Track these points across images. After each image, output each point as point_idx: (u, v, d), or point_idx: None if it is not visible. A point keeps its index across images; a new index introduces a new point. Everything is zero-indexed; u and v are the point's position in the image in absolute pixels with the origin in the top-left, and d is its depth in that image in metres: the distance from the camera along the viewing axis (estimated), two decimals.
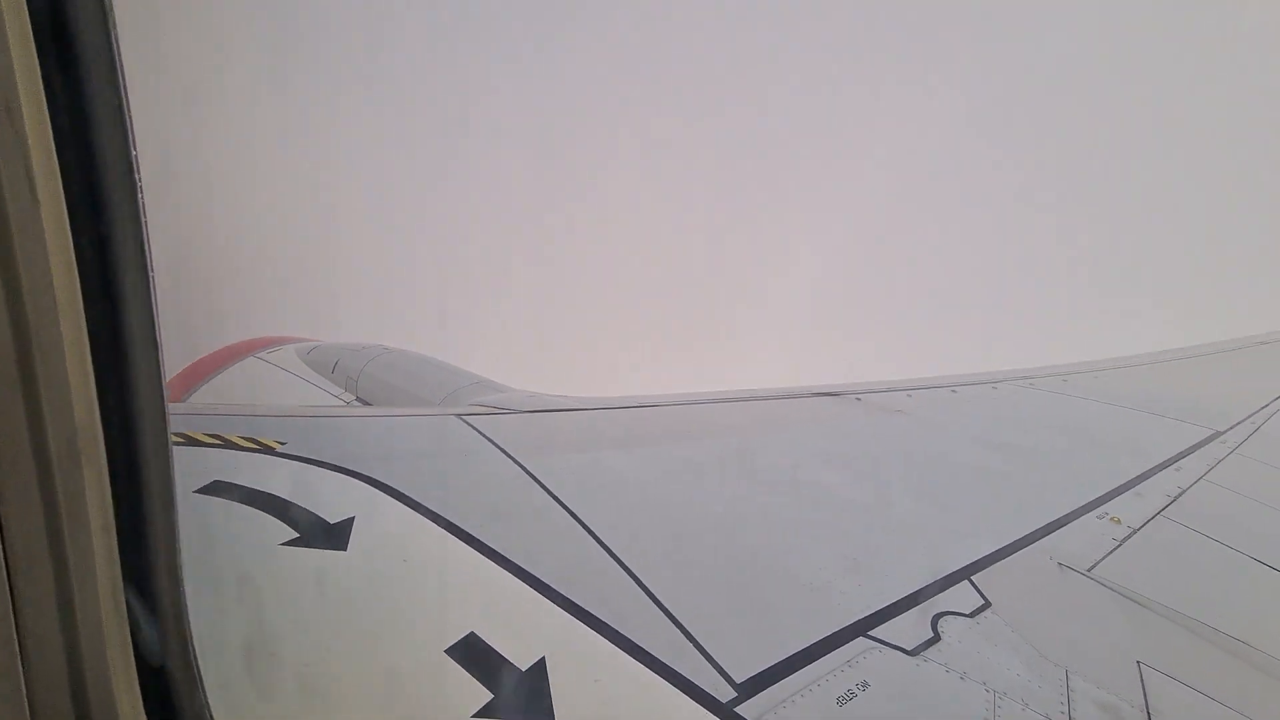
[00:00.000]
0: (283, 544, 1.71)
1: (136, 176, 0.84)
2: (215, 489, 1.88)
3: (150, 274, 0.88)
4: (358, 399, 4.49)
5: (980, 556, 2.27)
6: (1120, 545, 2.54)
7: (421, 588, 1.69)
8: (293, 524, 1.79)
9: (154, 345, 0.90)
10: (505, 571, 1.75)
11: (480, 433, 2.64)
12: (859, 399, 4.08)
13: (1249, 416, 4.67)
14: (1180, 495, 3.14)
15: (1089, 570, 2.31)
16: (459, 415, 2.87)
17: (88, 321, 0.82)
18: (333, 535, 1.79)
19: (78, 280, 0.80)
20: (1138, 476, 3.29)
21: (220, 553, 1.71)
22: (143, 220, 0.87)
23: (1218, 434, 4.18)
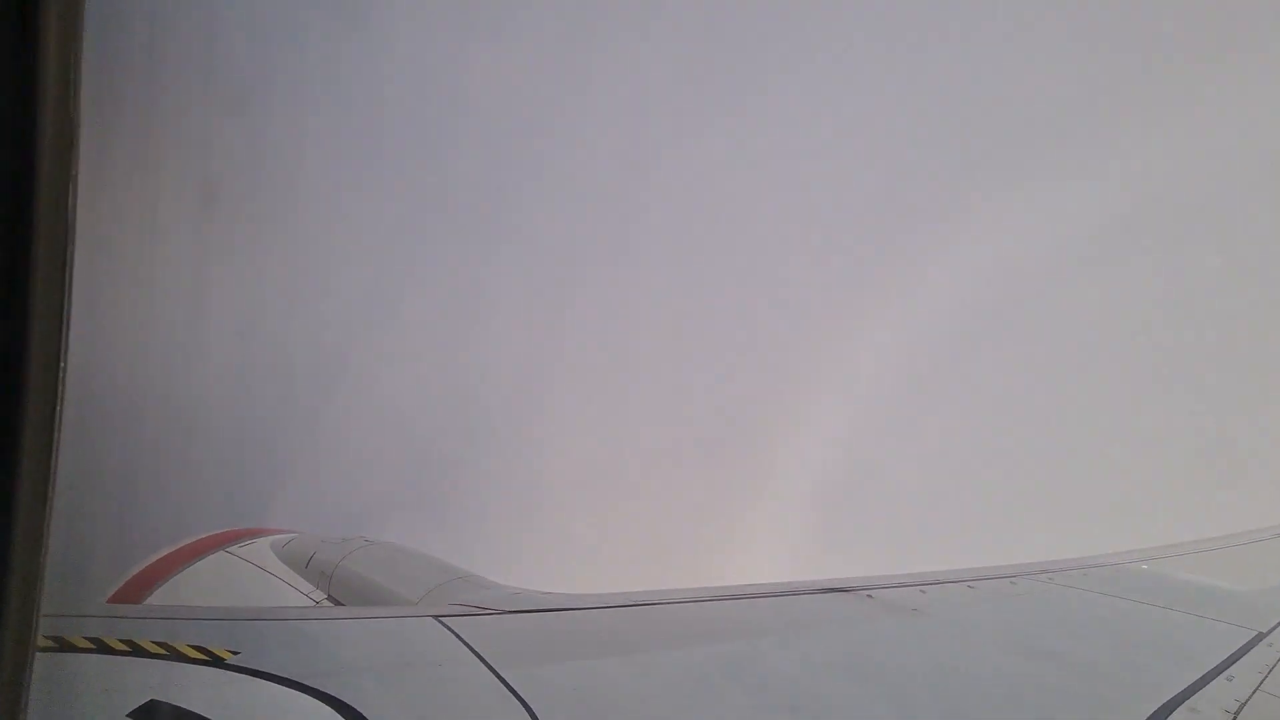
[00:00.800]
0: None
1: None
2: (149, 712, 1.65)
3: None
4: (329, 598, 4.17)
5: None
6: None
7: None
8: None
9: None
10: None
11: (458, 637, 2.41)
12: (870, 595, 3.81)
13: None
14: (1240, 710, 2.81)
15: None
16: (436, 616, 2.64)
17: None
18: None
19: None
20: (1188, 689, 2.97)
21: None
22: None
23: (1261, 635, 3.87)
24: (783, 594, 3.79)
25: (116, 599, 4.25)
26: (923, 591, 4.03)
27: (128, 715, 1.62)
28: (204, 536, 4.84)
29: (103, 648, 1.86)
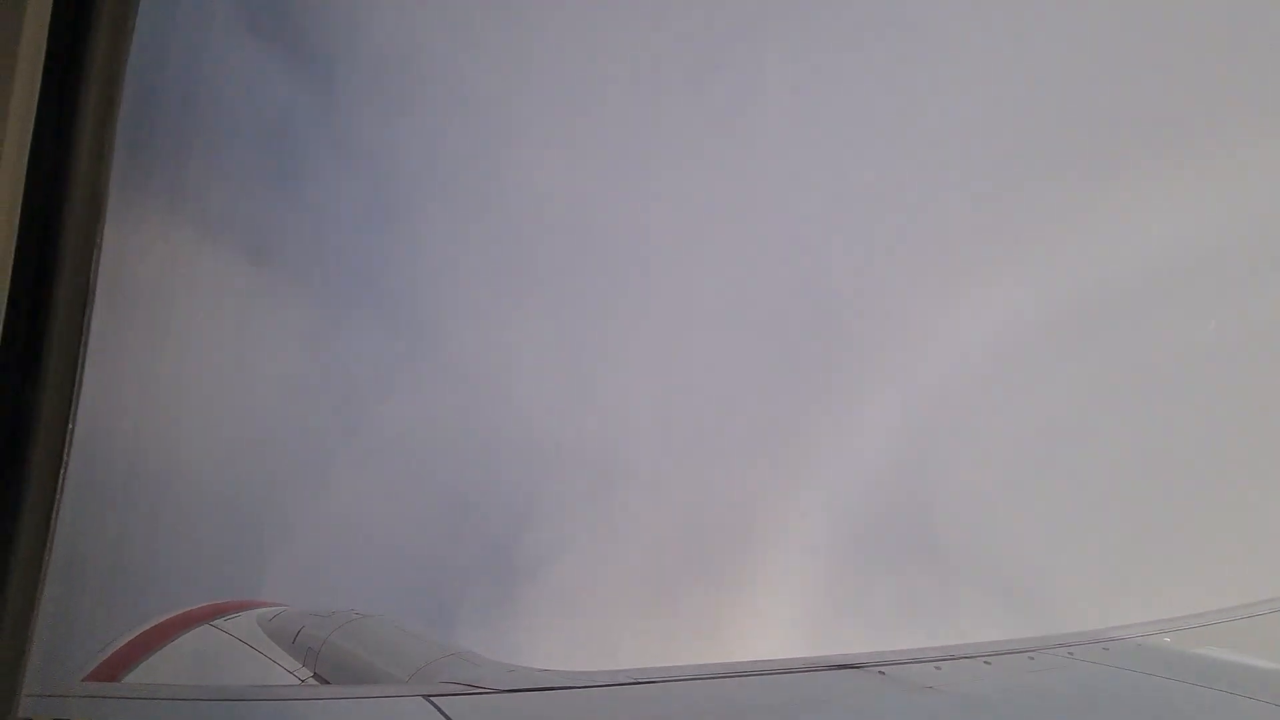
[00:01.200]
0: None
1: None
2: None
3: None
4: (315, 675, 3.99)
5: None
6: None
7: None
8: None
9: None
10: None
11: (448, 718, 2.28)
12: (883, 673, 3.64)
13: None
14: None
15: None
16: (426, 695, 2.51)
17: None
18: None
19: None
20: None
21: None
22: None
23: None
24: (791, 670, 3.63)
25: (96, 677, 4.07)
26: (938, 668, 3.86)
27: None
28: (189, 610, 4.69)
29: None
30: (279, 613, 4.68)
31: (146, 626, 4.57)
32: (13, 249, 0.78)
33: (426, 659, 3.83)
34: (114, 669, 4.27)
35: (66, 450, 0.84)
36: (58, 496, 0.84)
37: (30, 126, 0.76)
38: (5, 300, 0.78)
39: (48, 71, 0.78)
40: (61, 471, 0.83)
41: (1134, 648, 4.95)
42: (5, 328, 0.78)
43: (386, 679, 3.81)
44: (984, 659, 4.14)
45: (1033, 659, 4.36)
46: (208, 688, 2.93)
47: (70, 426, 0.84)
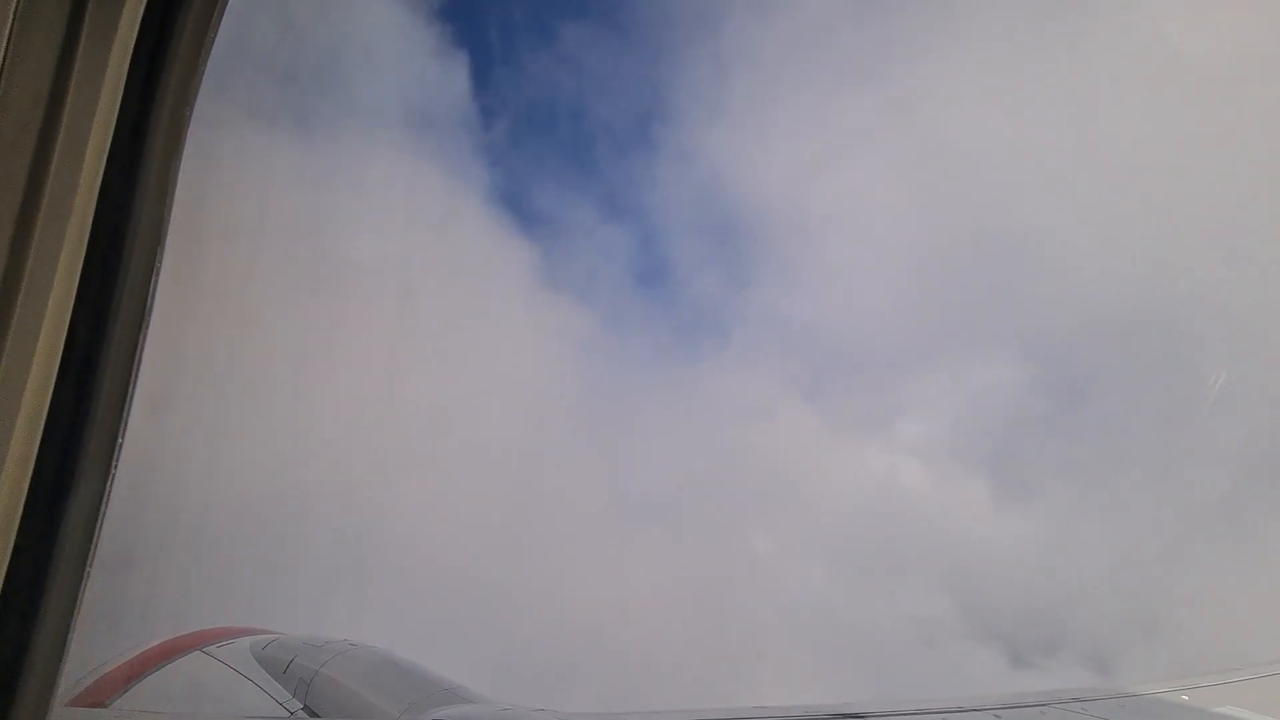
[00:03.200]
0: None
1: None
2: None
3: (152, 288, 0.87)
4: (305, 708, 3.89)
5: None
6: None
7: None
8: None
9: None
10: None
11: None
12: None
13: None
14: None
15: None
16: None
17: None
18: None
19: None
20: None
21: None
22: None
23: None
24: (795, 717, 3.51)
25: (83, 701, 3.99)
26: None
27: None
28: (182, 635, 4.61)
29: None
30: (272, 641, 4.59)
31: (137, 651, 4.49)
32: (80, 260, 0.81)
33: (419, 694, 3.73)
34: (102, 693, 4.18)
35: (115, 460, 0.87)
36: (103, 508, 0.86)
37: (103, 159, 0.81)
38: (70, 311, 0.81)
39: (125, 99, 0.84)
40: (109, 480, 0.87)
41: (1148, 704, 4.78)
42: (68, 334, 0.81)
43: (377, 714, 3.71)
44: (994, 712, 4.01)
45: (1043, 713, 4.21)
46: (193, 718, 2.85)
47: (119, 440, 0.87)
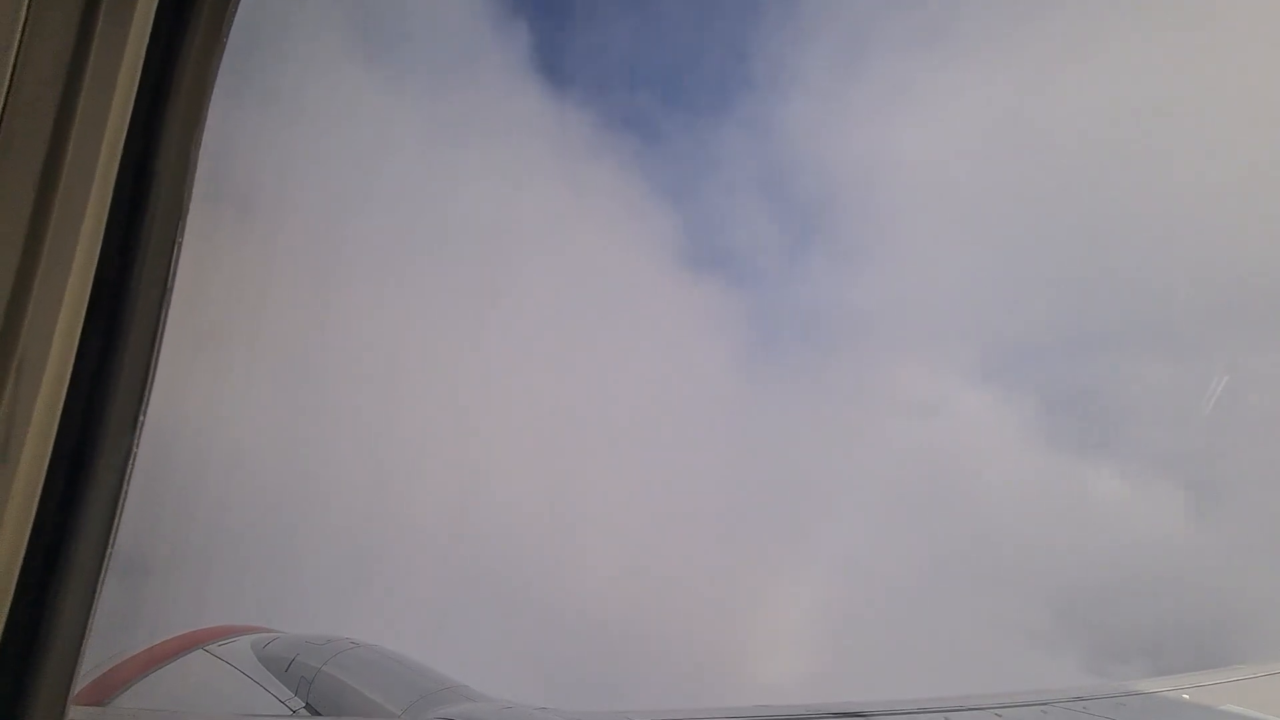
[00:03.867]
0: None
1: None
2: None
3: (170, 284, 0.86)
4: (306, 706, 3.89)
5: None
6: None
7: None
8: None
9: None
10: None
11: None
12: None
13: None
14: None
15: None
16: None
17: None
18: None
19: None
20: None
21: None
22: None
23: None
24: (797, 715, 3.51)
25: (85, 699, 3.99)
26: (947, 718, 3.73)
27: None
28: (184, 633, 4.61)
29: None
30: (273, 639, 4.59)
31: (140, 649, 4.49)
32: (96, 254, 0.81)
33: (421, 693, 3.73)
34: (104, 691, 4.18)
35: (131, 459, 0.87)
36: (120, 506, 0.87)
37: (121, 139, 0.81)
38: (85, 305, 0.81)
39: (141, 88, 0.83)
40: (125, 483, 0.87)
41: (1149, 703, 4.77)
42: (84, 327, 0.81)
43: (379, 712, 3.70)
44: (995, 711, 4.01)
45: (1045, 712, 4.21)
46: (194, 717, 2.85)
47: (135, 437, 0.87)
